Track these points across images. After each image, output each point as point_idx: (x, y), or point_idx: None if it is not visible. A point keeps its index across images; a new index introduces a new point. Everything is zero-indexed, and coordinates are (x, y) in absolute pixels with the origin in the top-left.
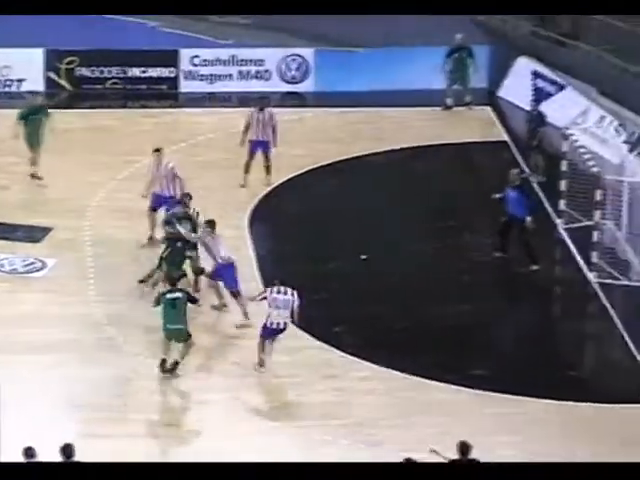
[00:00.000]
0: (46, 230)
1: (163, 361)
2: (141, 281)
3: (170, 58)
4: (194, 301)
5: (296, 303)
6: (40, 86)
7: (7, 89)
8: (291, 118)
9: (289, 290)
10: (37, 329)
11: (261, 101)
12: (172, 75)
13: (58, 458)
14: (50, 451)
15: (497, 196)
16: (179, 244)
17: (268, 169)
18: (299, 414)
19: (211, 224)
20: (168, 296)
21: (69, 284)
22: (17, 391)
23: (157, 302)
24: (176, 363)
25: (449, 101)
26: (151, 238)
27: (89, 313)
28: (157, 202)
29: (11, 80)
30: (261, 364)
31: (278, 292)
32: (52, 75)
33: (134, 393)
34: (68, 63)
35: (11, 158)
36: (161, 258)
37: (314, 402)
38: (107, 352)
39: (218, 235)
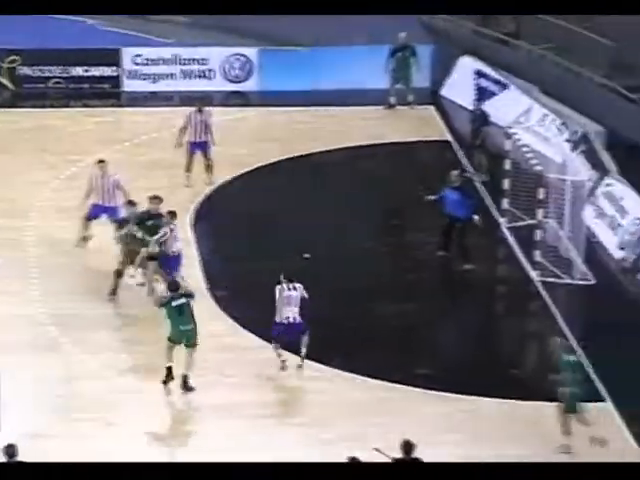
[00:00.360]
0: None
1: (169, 370)
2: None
3: (112, 57)
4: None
5: (305, 296)
6: None
7: None
8: (235, 117)
9: (297, 285)
10: None
11: (201, 101)
12: (114, 74)
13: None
14: None
15: (431, 198)
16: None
17: (209, 168)
18: (244, 413)
19: (172, 215)
20: (173, 304)
21: (13, 284)
22: None
23: (161, 304)
24: (185, 377)
25: (392, 100)
26: (84, 238)
27: (32, 313)
28: (95, 212)
29: None
30: (283, 367)
31: (289, 289)
32: None
33: (78, 393)
34: (10, 62)
35: None
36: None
37: (262, 401)
38: (50, 352)
39: (176, 226)
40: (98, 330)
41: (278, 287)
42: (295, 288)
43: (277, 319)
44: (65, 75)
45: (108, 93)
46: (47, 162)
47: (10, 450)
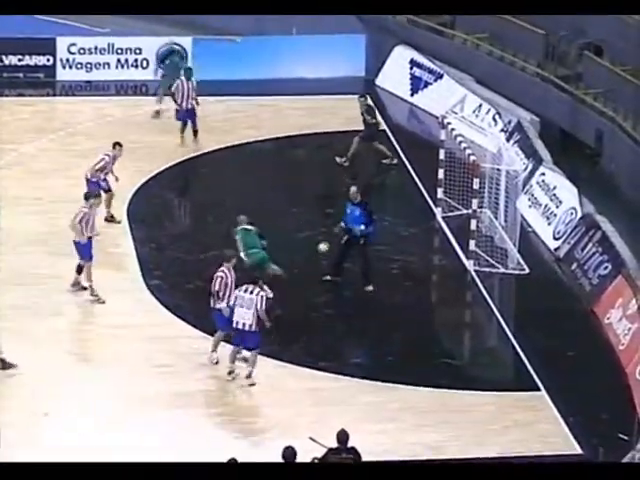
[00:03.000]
0: None
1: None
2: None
3: (47, 46)
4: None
5: (259, 306)
6: None
7: None
8: (169, 106)
9: (256, 290)
10: None
11: (188, 72)
12: (49, 63)
13: None
14: None
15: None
16: None
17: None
18: (177, 403)
19: (97, 197)
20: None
21: None
22: None
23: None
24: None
25: (158, 107)
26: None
27: None
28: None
29: None
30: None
31: (245, 290)
32: None
33: None
34: None
35: None
36: None
37: (191, 390)
38: None
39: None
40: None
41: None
42: (252, 291)
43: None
44: None
45: (43, 82)
46: None
47: None
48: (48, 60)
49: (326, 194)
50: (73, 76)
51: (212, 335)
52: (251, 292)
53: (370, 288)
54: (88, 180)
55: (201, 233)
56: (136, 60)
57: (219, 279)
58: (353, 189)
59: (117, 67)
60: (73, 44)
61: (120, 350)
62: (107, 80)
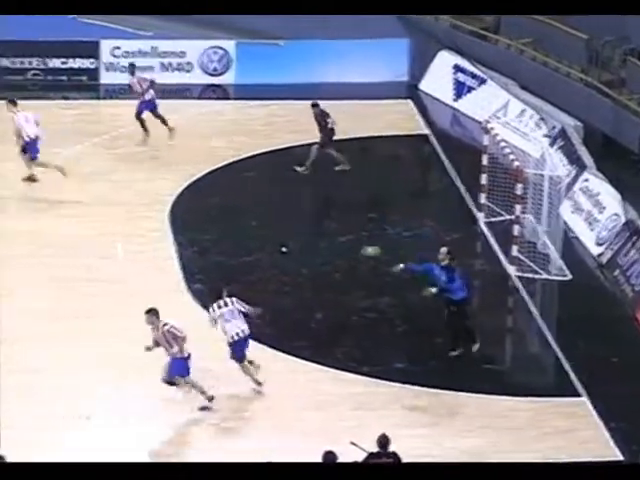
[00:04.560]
0: None
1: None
2: None
3: (91, 49)
4: None
5: (244, 308)
6: None
7: None
8: (212, 110)
9: (229, 300)
10: None
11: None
12: (93, 66)
13: None
14: None
15: (400, 267)
16: None
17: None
18: (217, 405)
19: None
20: None
21: None
22: None
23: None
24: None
25: None
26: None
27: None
28: None
29: None
30: (258, 382)
31: (219, 307)
32: None
33: None
34: None
35: None
36: None
37: (232, 394)
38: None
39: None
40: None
41: (209, 311)
42: (226, 304)
43: (229, 340)
44: (43, 67)
45: (86, 85)
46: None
47: None
48: (92, 63)
49: (368, 198)
50: (116, 79)
51: (255, 339)
52: (225, 305)
53: (476, 347)
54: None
55: (243, 237)
56: (179, 64)
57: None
58: (443, 250)
59: (160, 70)
60: (117, 47)
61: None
62: None
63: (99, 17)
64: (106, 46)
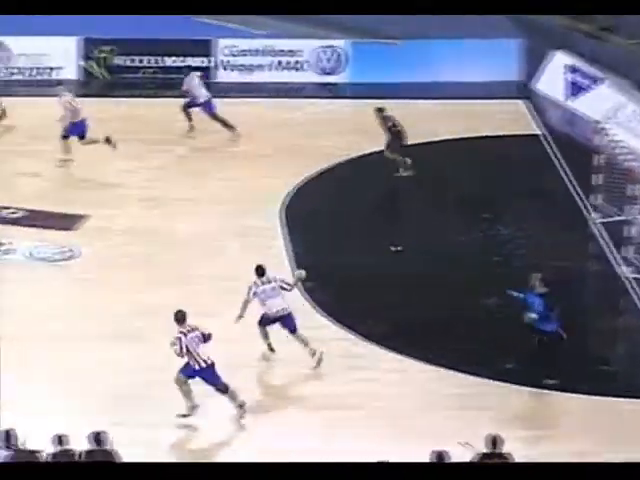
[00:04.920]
0: (79, 218)
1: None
2: None
3: (205, 48)
4: None
5: (286, 285)
6: (76, 74)
7: (43, 77)
8: (325, 109)
9: (272, 277)
10: (62, 319)
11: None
12: (207, 65)
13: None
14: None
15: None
16: None
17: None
18: (326, 404)
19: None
20: None
21: (99, 273)
22: (48, 378)
23: None
24: None
25: None
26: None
27: (115, 303)
28: None
29: (48, 68)
30: (271, 348)
31: (262, 283)
32: (88, 64)
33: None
34: (104, 52)
35: (45, 145)
36: None
37: (341, 393)
38: (130, 342)
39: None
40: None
41: (249, 288)
42: (269, 281)
43: (265, 312)
44: (158, 65)
45: None
46: (137, 151)
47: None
48: (203, 62)
49: (483, 199)
50: (231, 78)
51: (366, 338)
52: (269, 282)
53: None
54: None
55: (357, 236)
56: (296, 62)
57: (178, 343)
58: (536, 276)
59: (275, 69)
60: (231, 46)
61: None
62: (264, 82)
63: (213, 15)
64: (220, 45)
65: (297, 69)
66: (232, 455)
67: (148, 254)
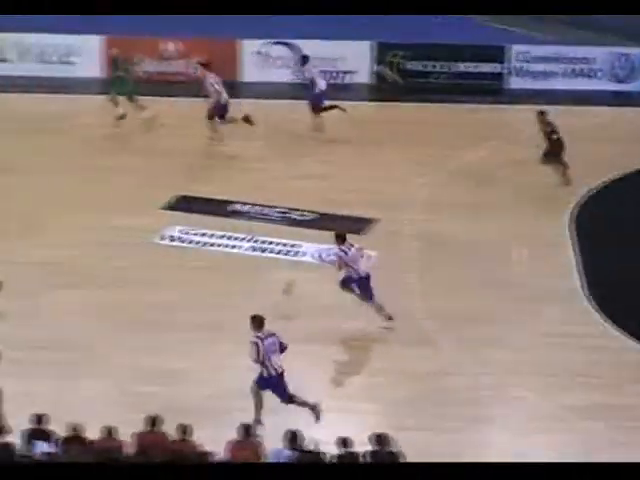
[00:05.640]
0: (369, 222)
1: None
2: None
3: (498, 54)
4: None
5: (366, 258)
6: (369, 79)
7: (337, 81)
8: (613, 117)
9: (350, 244)
10: (345, 320)
11: None
12: (499, 71)
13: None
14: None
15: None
16: None
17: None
18: (607, 415)
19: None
20: None
21: (388, 277)
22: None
23: None
24: None
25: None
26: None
27: (402, 307)
28: None
29: (342, 71)
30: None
31: (349, 248)
32: (381, 68)
33: (449, 388)
34: (397, 56)
35: (336, 148)
36: None
37: (624, 404)
38: (420, 346)
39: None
40: (476, 327)
41: (338, 251)
42: (349, 248)
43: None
44: (449, 71)
45: (490, 90)
46: (427, 156)
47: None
48: (495, 68)
49: None
50: (520, 84)
51: None
52: (349, 248)
53: None
54: None
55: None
56: (590, 69)
57: (255, 348)
58: None
59: (565, 76)
60: (525, 52)
61: (555, 359)
62: (553, 89)
63: (504, 22)
64: (514, 51)
65: (590, 77)
66: None
67: (434, 259)
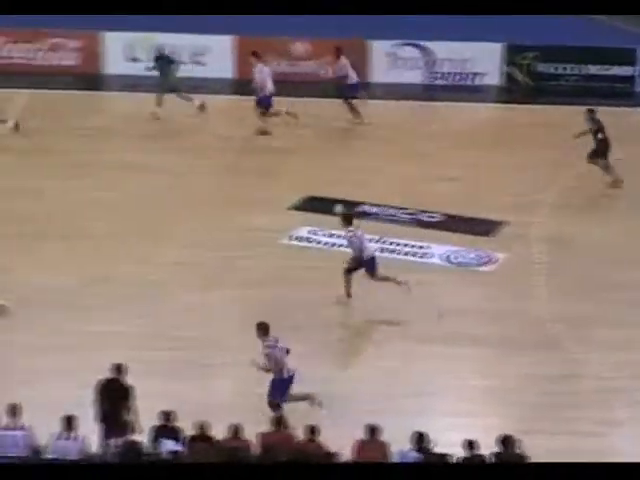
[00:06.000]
0: (498, 224)
1: None
2: None
3: (630, 56)
4: None
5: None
6: (498, 80)
7: (466, 82)
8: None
9: (355, 226)
10: (477, 323)
11: None
12: (631, 74)
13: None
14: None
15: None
16: None
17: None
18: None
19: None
20: None
21: (516, 280)
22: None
23: None
24: None
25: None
26: None
27: (530, 310)
28: None
29: (472, 73)
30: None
31: (355, 229)
32: (511, 70)
33: (573, 391)
34: (527, 58)
35: (467, 151)
36: None
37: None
38: (547, 350)
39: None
40: (604, 329)
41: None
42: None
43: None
44: (580, 73)
45: (621, 92)
46: (553, 159)
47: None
48: (627, 71)
49: None
50: None
51: None
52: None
53: None
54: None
55: None
56: None
57: (272, 358)
58: None
59: None
60: None
61: None
62: None
63: (637, 23)
64: None
65: None
66: None
67: (562, 262)
